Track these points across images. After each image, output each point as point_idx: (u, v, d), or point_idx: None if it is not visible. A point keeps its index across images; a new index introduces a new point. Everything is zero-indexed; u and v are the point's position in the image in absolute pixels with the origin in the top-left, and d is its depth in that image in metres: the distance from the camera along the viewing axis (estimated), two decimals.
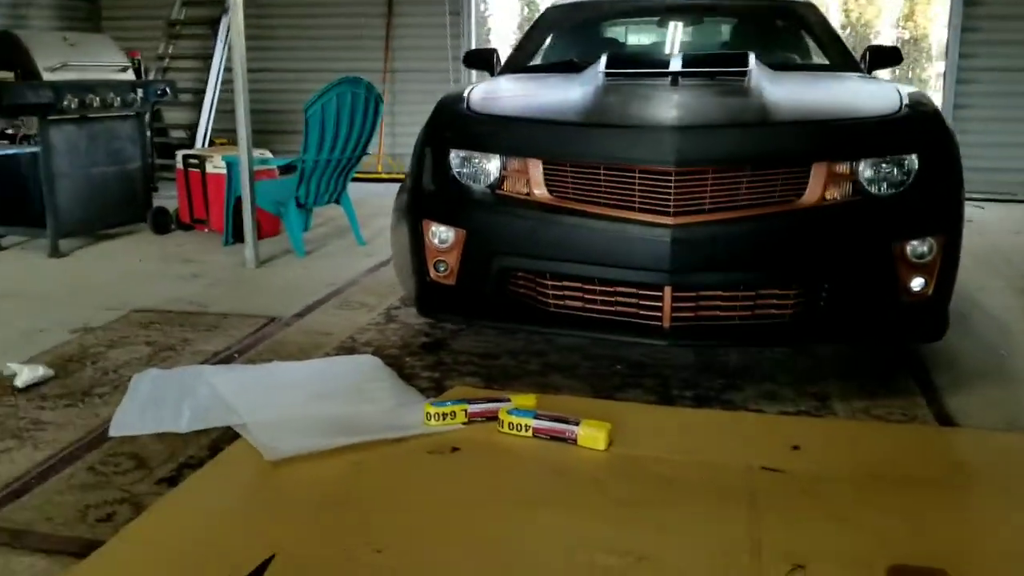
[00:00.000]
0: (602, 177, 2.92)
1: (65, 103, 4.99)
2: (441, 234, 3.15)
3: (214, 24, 7.77)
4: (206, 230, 5.66)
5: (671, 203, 2.82)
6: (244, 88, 4.61)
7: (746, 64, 3.29)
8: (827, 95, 3.35)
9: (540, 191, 3.01)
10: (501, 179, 3.09)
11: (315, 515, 2.18)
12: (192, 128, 7.77)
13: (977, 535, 2.11)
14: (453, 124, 3.27)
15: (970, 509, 2.25)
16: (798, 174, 2.86)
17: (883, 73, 4.51)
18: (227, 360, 3.33)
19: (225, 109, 7.77)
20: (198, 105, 7.81)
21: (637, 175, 2.86)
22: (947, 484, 2.35)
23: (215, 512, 2.22)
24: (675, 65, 3.39)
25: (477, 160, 3.13)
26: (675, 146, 2.81)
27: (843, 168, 2.90)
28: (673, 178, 2.81)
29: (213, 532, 2.11)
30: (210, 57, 7.68)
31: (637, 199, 2.86)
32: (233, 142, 5.32)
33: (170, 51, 8.18)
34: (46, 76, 4.98)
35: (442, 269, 3.17)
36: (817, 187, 2.86)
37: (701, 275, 2.86)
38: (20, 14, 8.36)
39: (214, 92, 7.61)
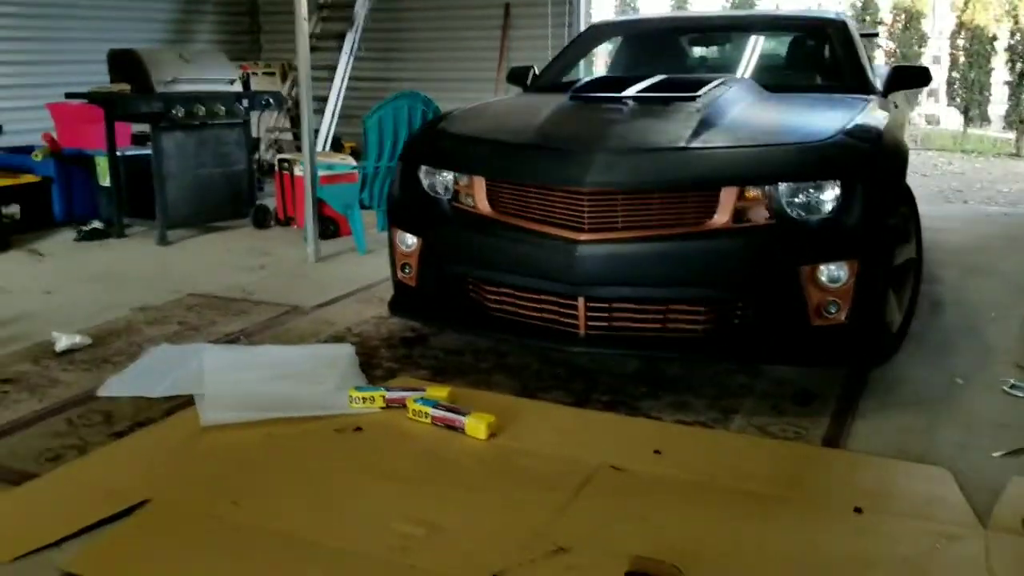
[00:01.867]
0: (531, 195, 3.20)
1: (174, 112, 5.75)
2: (406, 240, 3.53)
3: (342, 38, 8.50)
4: (294, 227, 6.30)
5: (584, 221, 3.07)
6: (308, 98, 5.13)
7: (697, 90, 3.46)
8: (774, 120, 3.43)
9: (484, 205, 3.33)
10: (456, 193, 3.43)
11: (207, 472, 2.63)
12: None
13: (745, 543, 2.25)
14: (424, 141, 3.66)
15: (763, 519, 2.36)
16: (708, 197, 3.02)
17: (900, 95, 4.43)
18: (233, 341, 3.86)
19: (351, 115, 8.47)
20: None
21: (557, 194, 3.12)
22: (762, 496, 2.47)
23: (131, 463, 2.71)
24: (634, 89, 3.59)
25: (439, 175, 3.49)
26: (587, 169, 3.06)
27: (756, 193, 3.03)
28: (585, 199, 3.05)
29: (118, 478, 2.59)
30: (335, 68, 8.41)
31: (558, 216, 3.13)
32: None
33: (317, 31, 8.96)
34: (159, 89, 5.75)
35: (407, 271, 3.56)
36: (727, 210, 3.01)
37: (611, 288, 3.08)
38: (188, 29, 9.45)
39: (336, 99, 8.32)
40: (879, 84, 4.15)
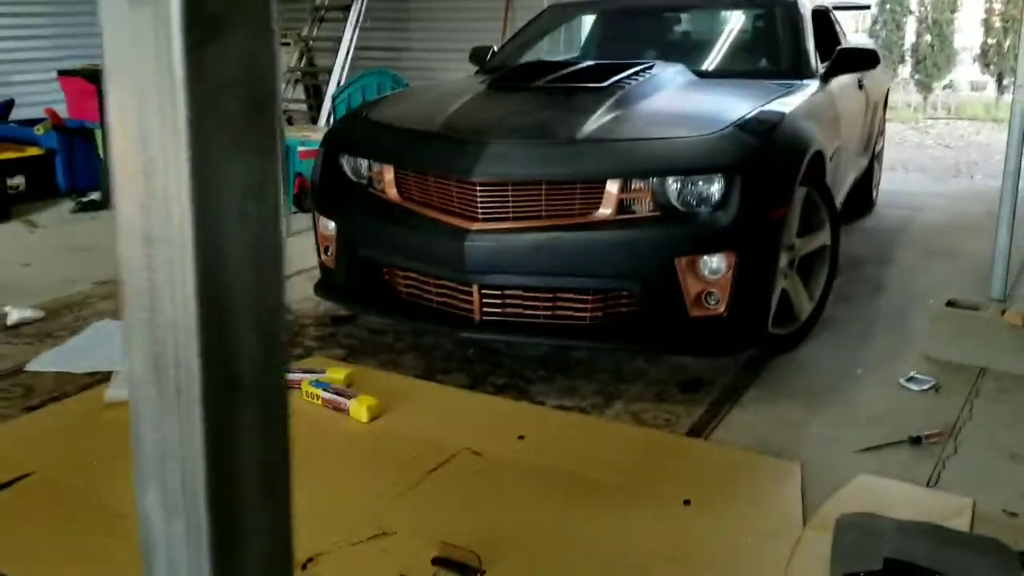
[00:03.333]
0: (431, 183, 3.30)
1: None
2: (327, 224, 3.66)
3: (348, 9, 8.58)
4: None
5: (477, 210, 3.16)
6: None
7: (604, 80, 3.50)
8: (677, 111, 3.45)
9: (392, 192, 3.44)
10: (370, 180, 3.55)
11: (95, 448, 2.81)
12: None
13: (561, 531, 2.35)
14: (344, 128, 3.77)
15: (589, 508, 2.47)
16: (593, 189, 3.09)
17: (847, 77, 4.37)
18: None
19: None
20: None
21: (453, 184, 3.21)
22: (600, 484, 2.57)
23: (28, 437, 2.92)
24: (545, 79, 3.65)
25: (356, 162, 3.61)
26: (479, 160, 3.15)
27: (640, 185, 3.09)
28: (477, 189, 3.14)
29: (11, 451, 2.80)
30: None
31: (455, 205, 3.23)
32: None
33: (315, 33, 9.11)
34: None
35: (328, 254, 3.70)
36: (611, 202, 3.08)
37: (503, 276, 3.18)
38: None
39: (341, 72, 8.41)
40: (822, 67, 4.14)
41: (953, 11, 11.77)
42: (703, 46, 4.62)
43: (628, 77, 3.63)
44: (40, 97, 7.70)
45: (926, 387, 3.25)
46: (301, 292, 4.35)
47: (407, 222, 3.34)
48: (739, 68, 4.24)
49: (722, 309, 3.08)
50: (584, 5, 5.13)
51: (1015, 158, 3.54)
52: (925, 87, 12.10)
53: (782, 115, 3.36)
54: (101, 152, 6.57)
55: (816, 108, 3.80)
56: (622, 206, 3.10)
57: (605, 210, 3.08)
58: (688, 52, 4.57)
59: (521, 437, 2.86)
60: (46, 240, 5.58)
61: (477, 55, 5.00)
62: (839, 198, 4.53)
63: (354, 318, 3.98)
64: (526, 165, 3.15)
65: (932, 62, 11.87)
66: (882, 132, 6.14)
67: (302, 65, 9.10)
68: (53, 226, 5.96)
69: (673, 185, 3.07)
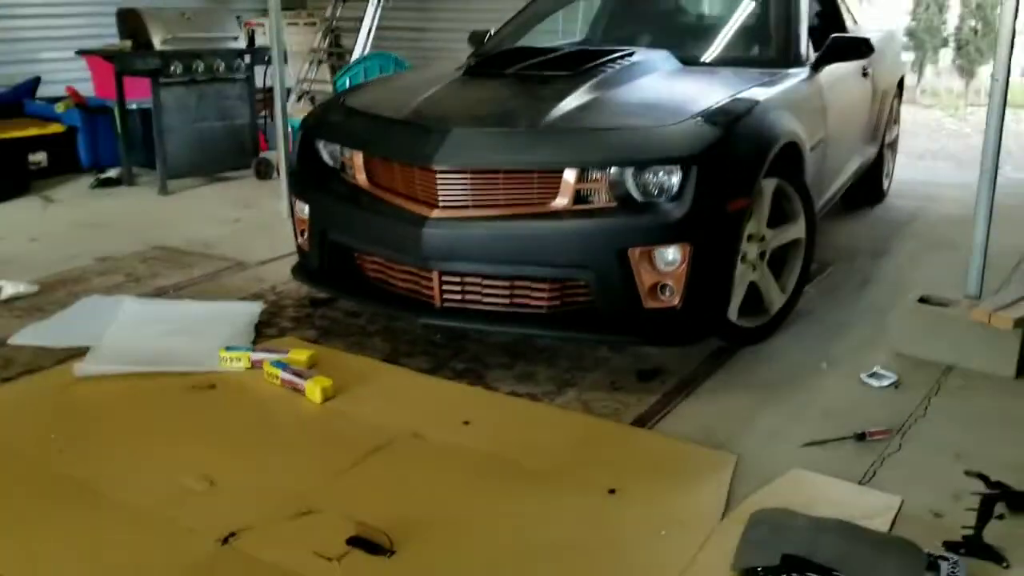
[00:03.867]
0: (396, 170, 3.34)
1: (172, 68, 6.07)
2: (302, 208, 3.72)
3: None
4: None
5: (437, 197, 3.19)
6: (279, 59, 5.30)
7: (579, 68, 3.50)
8: (647, 100, 3.42)
9: (362, 178, 3.49)
10: (343, 165, 3.60)
11: (57, 419, 2.92)
12: None
13: (476, 517, 2.39)
14: (321, 113, 3.82)
15: (513, 495, 2.49)
16: (551, 179, 3.10)
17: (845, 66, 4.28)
18: (162, 294, 4.16)
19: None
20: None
21: (416, 170, 3.25)
22: (532, 471, 2.61)
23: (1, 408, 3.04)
24: (518, 66, 3.66)
25: (331, 148, 3.66)
26: (440, 148, 3.17)
27: (597, 175, 3.09)
28: (437, 176, 3.17)
29: None
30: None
31: (417, 192, 3.27)
32: None
33: (339, 13, 9.17)
34: (158, 46, 6.06)
35: (304, 236, 3.76)
36: (568, 192, 3.09)
37: (462, 263, 3.20)
38: None
39: (363, 50, 8.46)
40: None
41: None
42: (698, 32, 4.57)
43: (603, 65, 3.62)
44: (68, 75, 7.88)
45: (886, 383, 3.21)
46: (287, 273, 4.43)
47: (374, 207, 3.39)
48: (728, 56, 4.17)
49: (676, 301, 3.07)
50: None
51: (991, 154, 3.45)
52: (968, 73, 11.76)
53: (751, 105, 3.32)
54: (119, 130, 6.71)
55: (796, 98, 3.74)
56: (580, 196, 3.10)
57: (562, 199, 3.09)
58: (682, 37, 4.52)
59: (466, 423, 2.90)
60: (59, 215, 5.74)
61: (475, 38, 5.01)
62: (832, 189, 4.47)
63: (332, 300, 4.04)
64: (485, 153, 3.16)
65: (975, 47, 11.53)
66: (896, 120, 6.01)
67: (326, 46, 9.17)
68: (69, 201, 6.12)
69: (630, 176, 3.07)
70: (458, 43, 8.62)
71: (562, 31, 5.63)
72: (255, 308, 3.90)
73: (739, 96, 3.40)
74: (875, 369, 3.30)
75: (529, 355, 3.45)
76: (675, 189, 3.03)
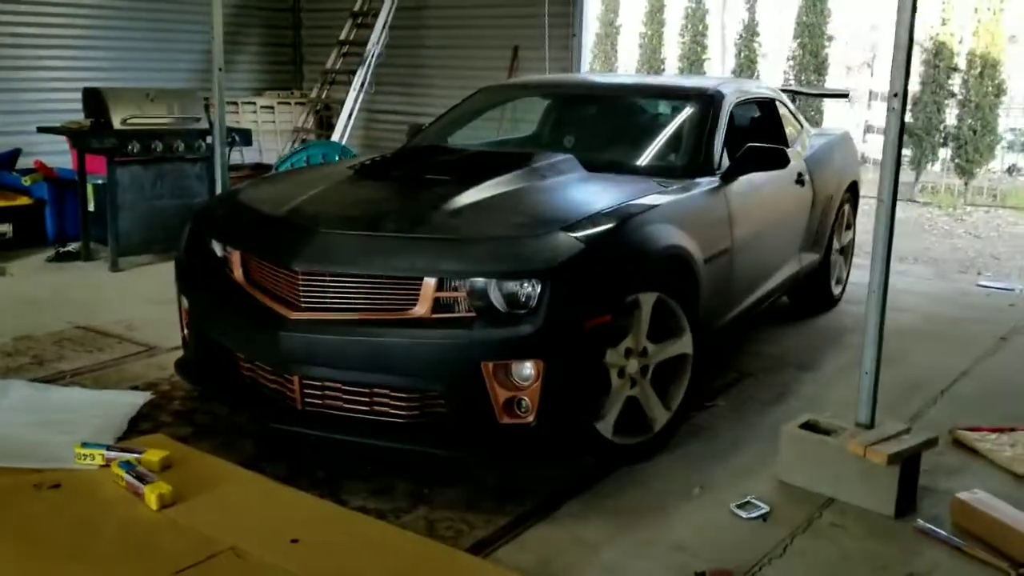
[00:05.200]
0: (267, 268, 3.30)
1: (129, 147, 6.15)
2: (184, 301, 3.68)
3: (353, 74, 8.79)
4: None
5: (300, 298, 3.14)
6: (221, 130, 5.28)
7: (469, 173, 3.48)
8: (523, 209, 3.36)
9: (239, 273, 3.45)
10: (226, 260, 3.56)
11: None
12: None
13: None
14: (210, 206, 3.83)
15: None
16: (410, 287, 3.03)
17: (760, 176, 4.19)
18: (56, 380, 4.12)
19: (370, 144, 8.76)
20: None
21: (282, 270, 3.20)
22: None
23: None
24: (404, 168, 3.63)
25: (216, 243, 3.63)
26: (304, 248, 3.13)
27: (456, 285, 3.01)
28: (300, 277, 3.12)
29: None
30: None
31: (283, 292, 3.22)
32: None
33: (337, 66, 9.34)
34: (117, 125, 6.16)
35: (186, 331, 3.71)
36: (427, 301, 3.01)
37: (321, 369, 3.12)
38: (233, 59, 9.93)
39: (353, 105, 8.54)
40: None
41: (997, 95, 11.33)
42: (622, 138, 4.51)
43: (492, 170, 3.57)
44: (52, 147, 8.03)
45: (755, 515, 3.05)
46: None
47: (245, 306, 3.34)
48: (638, 163, 4.11)
49: (531, 418, 2.96)
50: (517, 88, 5.11)
51: (879, 272, 3.26)
52: (965, 172, 11.63)
53: (625, 217, 3.25)
54: (92, 205, 6.75)
55: (690, 208, 3.67)
56: (441, 304, 3.02)
57: (421, 308, 3.02)
58: (601, 141, 4.50)
59: (295, 540, 2.78)
60: (6, 289, 5.77)
61: (412, 130, 5.02)
62: (749, 300, 4.35)
63: None
64: (346, 257, 3.11)
65: (973, 147, 11.43)
66: (850, 226, 5.89)
67: (311, 125, 9.31)
68: (22, 275, 6.18)
69: (493, 287, 2.99)
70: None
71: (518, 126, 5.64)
72: (138, 400, 3.84)
73: (619, 207, 3.33)
74: (748, 499, 3.14)
75: (394, 465, 3.33)
76: (533, 303, 2.95)
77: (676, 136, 4.24)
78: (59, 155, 7.46)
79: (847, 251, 5.94)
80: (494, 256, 3.01)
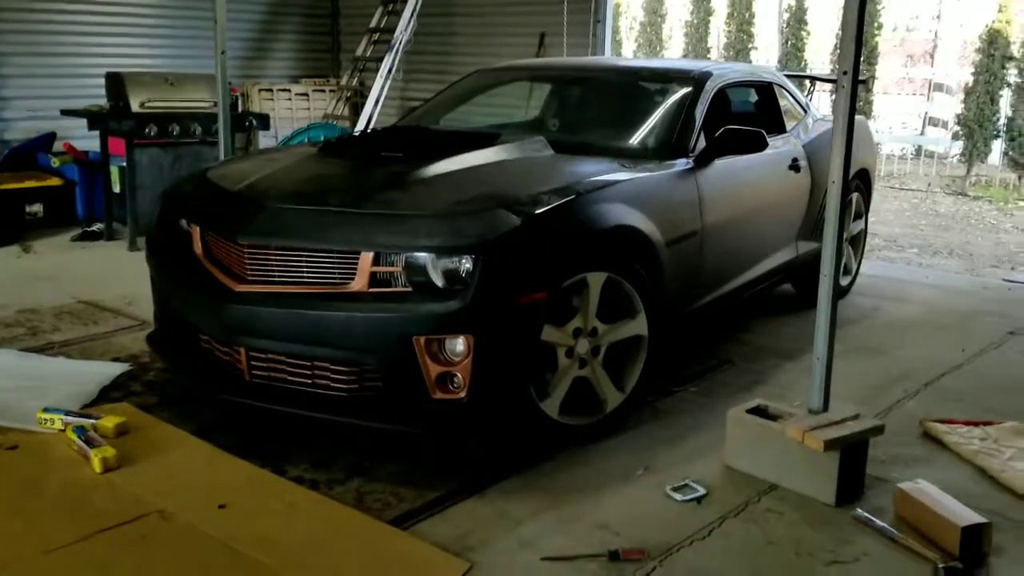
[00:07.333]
0: (220, 242, 3.37)
1: (147, 130, 6.32)
2: (153, 275, 3.78)
3: (380, 61, 8.86)
4: None
5: (245, 271, 3.20)
6: (226, 113, 5.40)
7: (430, 151, 3.49)
8: (462, 186, 3.33)
9: (198, 247, 3.52)
10: (188, 235, 3.65)
11: None
12: None
13: None
14: (179, 183, 3.92)
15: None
16: (348, 261, 3.07)
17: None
18: (45, 349, 4.27)
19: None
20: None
21: (231, 244, 3.27)
22: (249, 560, 2.54)
23: None
24: (364, 147, 3.66)
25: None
26: (249, 222, 3.19)
27: (393, 259, 3.03)
28: (245, 250, 3.18)
29: None
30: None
31: (233, 264, 3.28)
32: None
33: (368, 54, 9.43)
34: (135, 109, 6.34)
35: (155, 303, 3.81)
36: (364, 275, 3.04)
37: (266, 340, 3.18)
38: (270, 47, 10.10)
39: (380, 91, 8.59)
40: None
41: None
42: (598, 119, 4.49)
43: (448, 149, 3.58)
44: (83, 131, 8.28)
45: (689, 497, 3.01)
46: None
47: (201, 280, 3.41)
48: (610, 145, 4.06)
49: (463, 394, 2.97)
50: (507, 71, 5.10)
51: (830, 257, 3.18)
52: (1020, 166, 11.21)
53: (571, 196, 3.23)
54: (116, 186, 6.96)
55: (650, 190, 3.62)
56: (378, 279, 3.05)
57: (359, 282, 3.05)
58: (583, 123, 4.47)
59: (222, 506, 2.84)
60: (25, 265, 6.00)
61: (404, 113, 5.06)
62: (730, 285, 4.29)
63: None
64: (289, 231, 3.16)
65: None
66: (859, 215, 5.73)
67: (343, 112, 9.42)
68: (45, 253, 6.40)
69: (429, 262, 3.01)
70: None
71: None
72: (114, 370, 3.95)
73: (567, 185, 3.31)
74: (685, 481, 3.10)
75: (342, 439, 3.37)
76: (465, 277, 2.96)
77: (652, 118, 4.18)
78: (92, 139, 7.68)
79: (857, 241, 5.79)
80: (428, 232, 3.02)
